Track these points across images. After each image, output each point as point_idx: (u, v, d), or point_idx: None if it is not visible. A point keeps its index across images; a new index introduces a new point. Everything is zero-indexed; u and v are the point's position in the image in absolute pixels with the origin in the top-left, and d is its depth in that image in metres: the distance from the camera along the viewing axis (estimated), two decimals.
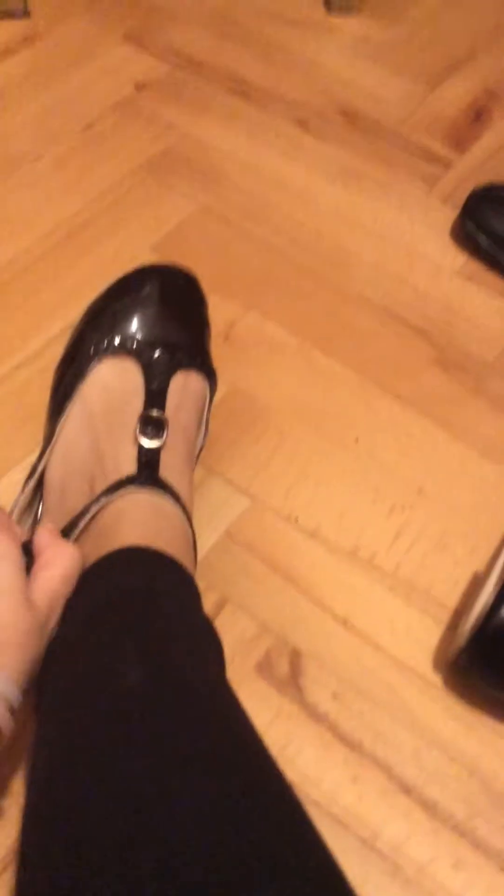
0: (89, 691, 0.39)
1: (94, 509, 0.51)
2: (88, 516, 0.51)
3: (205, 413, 0.59)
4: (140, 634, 0.41)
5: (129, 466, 0.52)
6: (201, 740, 0.36)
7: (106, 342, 0.56)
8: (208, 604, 0.59)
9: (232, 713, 0.39)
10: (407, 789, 0.53)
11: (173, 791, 0.33)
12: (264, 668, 0.57)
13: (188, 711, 0.37)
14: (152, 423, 0.54)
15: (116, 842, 0.31)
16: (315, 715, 0.55)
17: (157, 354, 0.56)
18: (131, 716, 0.37)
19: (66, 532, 0.51)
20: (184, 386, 0.57)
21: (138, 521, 0.50)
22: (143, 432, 0.53)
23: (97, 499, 0.51)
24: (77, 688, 0.40)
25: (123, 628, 0.42)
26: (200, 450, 0.60)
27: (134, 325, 0.57)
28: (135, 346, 0.56)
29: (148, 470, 0.52)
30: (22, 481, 0.58)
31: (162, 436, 0.53)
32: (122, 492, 0.51)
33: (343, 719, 0.55)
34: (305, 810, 0.35)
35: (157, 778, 0.34)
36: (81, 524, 0.51)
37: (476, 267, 0.78)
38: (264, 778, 0.36)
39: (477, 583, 0.59)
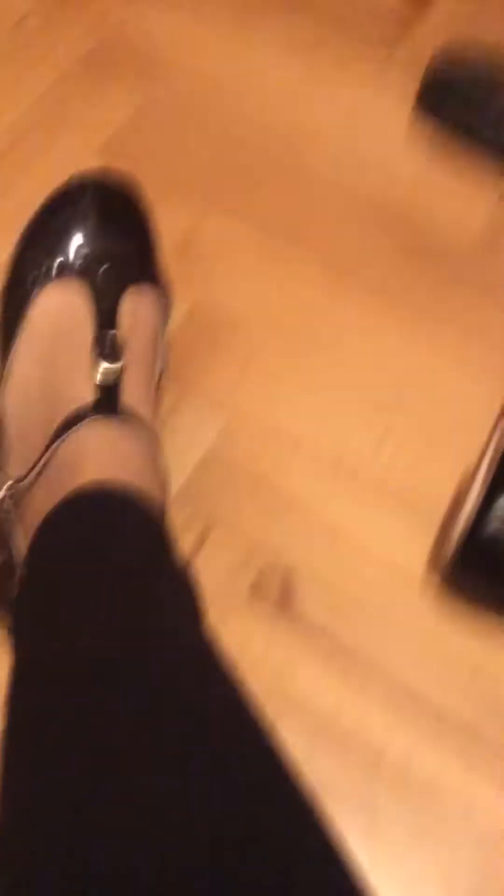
0: (49, 656, 0.38)
1: (54, 446, 0.48)
2: (49, 454, 0.48)
3: (161, 331, 0.56)
4: (95, 591, 0.40)
5: (87, 394, 0.50)
6: (166, 701, 0.34)
7: (46, 265, 0.53)
8: (194, 531, 0.57)
9: (201, 665, 0.38)
10: (411, 696, 0.53)
11: (142, 754, 0.32)
12: (257, 589, 0.56)
13: (151, 670, 0.36)
14: (108, 345, 0.51)
15: (90, 831, 0.30)
16: (312, 632, 0.55)
17: (103, 271, 0.53)
18: (88, 682, 0.35)
19: (29, 472, 0.49)
20: (136, 305, 0.54)
21: (100, 454, 0.48)
22: (100, 355, 0.50)
23: (57, 433, 0.48)
24: (38, 653, 0.39)
25: (78, 585, 0.41)
26: (162, 371, 0.57)
27: (75, 243, 0.54)
28: (78, 266, 0.53)
29: (108, 396, 0.49)
30: None
31: (120, 357, 0.50)
32: (81, 424, 0.48)
33: (341, 634, 0.55)
34: (287, 765, 0.34)
35: (126, 743, 0.33)
36: (43, 461, 0.48)
37: (442, 142, 0.72)
38: (233, 731, 0.35)
39: (465, 484, 0.57)
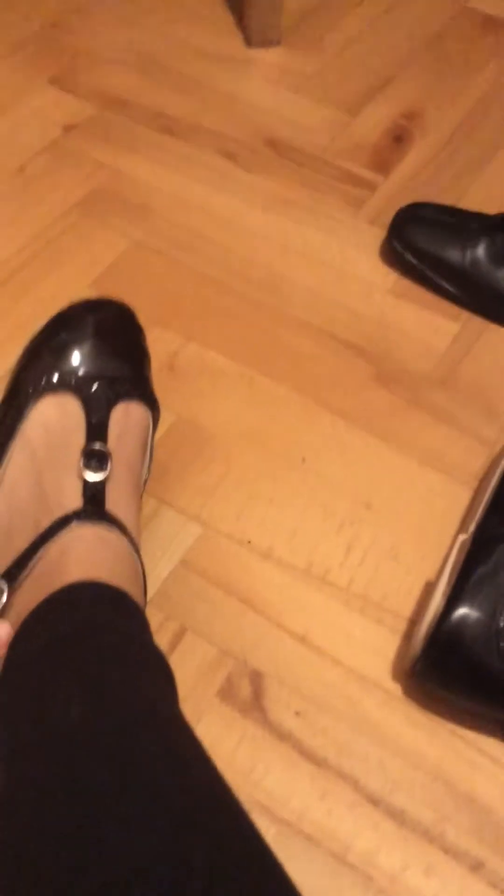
0: (32, 733, 0.39)
1: (40, 548, 0.51)
2: (36, 557, 0.51)
3: (148, 442, 0.59)
4: (82, 673, 0.41)
5: (73, 501, 0.52)
6: (145, 775, 0.36)
7: (44, 380, 0.57)
8: (168, 634, 0.59)
9: (175, 739, 0.39)
10: (374, 800, 0.54)
11: (114, 822, 0.33)
12: (227, 692, 0.57)
13: (128, 742, 0.37)
14: (95, 457, 0.54)
15: (62, 883, 0.31)
16: (279, 734, 0.56)
17: (96, 387, 0.56)
18: (72, 752, 0.36)
19: (13, 571, 0.51)
20: (125, 416, 0.57)
21: (83, 556, 0.50)
22: (87, 466, 0.53)
23: (43, 536, 0.51)
24: (21, 731, 0.40)
25: (64, 667, 0.42)
26: (146, 480, 0.60)
27: (71, 360, 0.57)
28: (73, 381, 0.57)
29: (93, 503, 0.52)
30: None
31: (106, 468, 0.54)
32: (67, 528, 0.51)
33: (307, 736, 0.56)
34: (256, 832, 0.35)
35: (102, 817, 0.34)
36: (30, 564, 0.51)
37: (407, 284, 0.80)
38: (208, 804, 0.36)
39: (429, 590, 0.60)
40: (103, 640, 0.44)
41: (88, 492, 0.52)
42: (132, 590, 0.49)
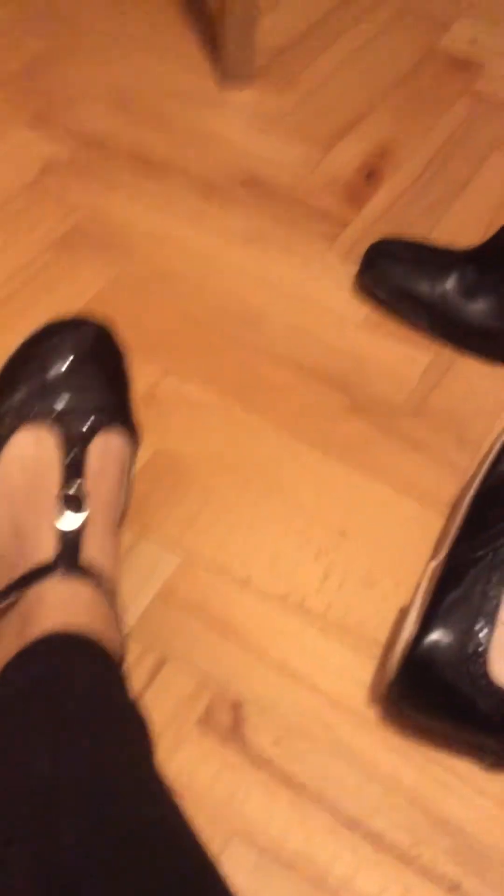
0: (4, 783, 0.39)
1: (12, 594, 0.50)
2: (7, 601, 0.50)
3: (127, 474, 0.59)
4: (50, 723, 0.41)
5: (48, 550, 0.51)
6: (109, 828, 0.36)
7: (18, 412, 0.55)
8: (147, 664, 0.60)
9: (142, 794, 0.39)
10: (352, 825, 0.55)
11: (85, 876, 0.34)
12: (206, 722, 0.58)
13: (98, 794, 0.37)
14: (71, 501, 0.53)
15: None
16: (259, 762, 0.57)
17: (72, 420, 0.55)
18: (38, 805, 0.37)
19: None
20: (104, 449, 0.56)
21: (55, 608, 0.49)
22: (62, 511, 0.52)
23: (16, 584, 0.50)
24: None
25: (34, 719, 0.42)
26: (125, 511, 0.60)
27: (48, 389, 0.56)
28: (51, 414, 0.55)
29: (67, 555, 0.51)
30: None
31: (82, 512, 0.53)
32: (43, 578, 0.50)
33: (286, 763, 0.57)
34: (225, 885, 0.36)
35: (68, 865, 0.34)
36: (1, 607, 0.51)
37: (379, 317, 0.82)
38: (178, 857, 0.36)
39: (403, 616, 0.62)
40: (73, 691, 0.44)
41: (63, 540, 0.51)
42: (106, 639, 0.49)
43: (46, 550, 0.51)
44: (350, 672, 0.61)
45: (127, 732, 0.44)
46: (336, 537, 0.67)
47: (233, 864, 0.52)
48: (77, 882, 0.34)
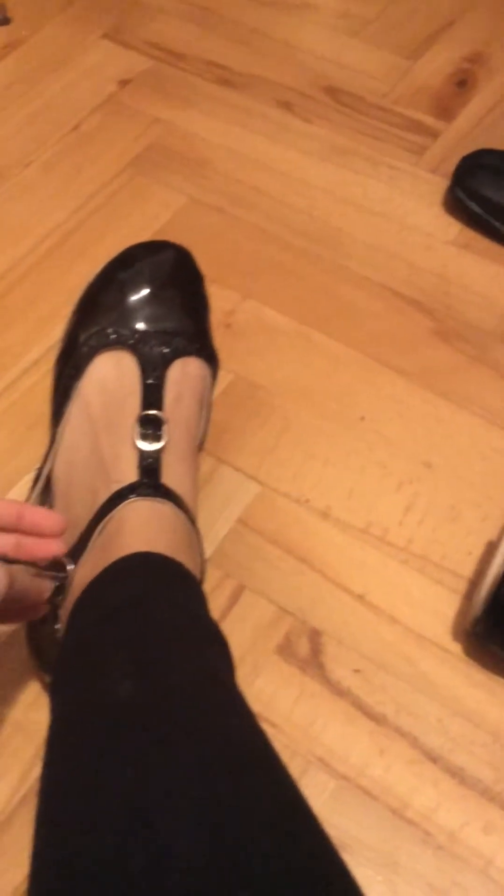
0: (83, 710, 0.39)
1: (99, 527, 0.50)
2: (95, 534, 0.50)
3: (206, 399, 0.58)
4: (132, 646, 0.41)
5: (129, 472, 0.51)
6: (191, 746, 0.35)
7: (98, 337, 0.55)
8: (226, 591, 0.60)
9: (226, 714, 0.39)
10: (433, 758, 0.54)
11: (163, 798, 0.33)
12: (285, 649, 0.58)
13: (178, 718, 0.37)
14: (151, 423, 0.53)
15: (108, 849, 0.32)
16: (338, 691, 0.56)
17: (152, 345, 0.55)
18: (121, 730, 0.37)
19: (77, 550, 0.51)
20: (183, 374, 0.55)
21: (138, 529, 0.49)
22: (142, 434, 0.52)
23: (100, 512, 0.51)
24: (72, 709, 0.40)
25: (116, 642, 0.42)
26: (204, 435, 0.59)
27: (127, 314, 0.56)
28: (130, 339, 0.55)
29: (148, 478, 0.51)
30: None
31: (161, 436, 0.52)
32: (123, 503, 0.50)
33: (366, 694, 0.56)
34: (308, 810, 0.35)
35: (148, 787, 0.34)
36: (89, 541, 0.50)
37: (470, 235, 0.77)
38: (259, 778, 0.36)
39: (490, 551, 0.59)
40: (155, 611, 0.44)
41: (144, 463, 0.51)
42: (187, 561, 0.49)
43: (127, 473, 0.52)
44: (433, 606, 0.59)
45: (210, 655, 0.44)
46: (420, 469, 0.65)
47: (311, 791, 0.53)
48: (152, 799, 0.34)
